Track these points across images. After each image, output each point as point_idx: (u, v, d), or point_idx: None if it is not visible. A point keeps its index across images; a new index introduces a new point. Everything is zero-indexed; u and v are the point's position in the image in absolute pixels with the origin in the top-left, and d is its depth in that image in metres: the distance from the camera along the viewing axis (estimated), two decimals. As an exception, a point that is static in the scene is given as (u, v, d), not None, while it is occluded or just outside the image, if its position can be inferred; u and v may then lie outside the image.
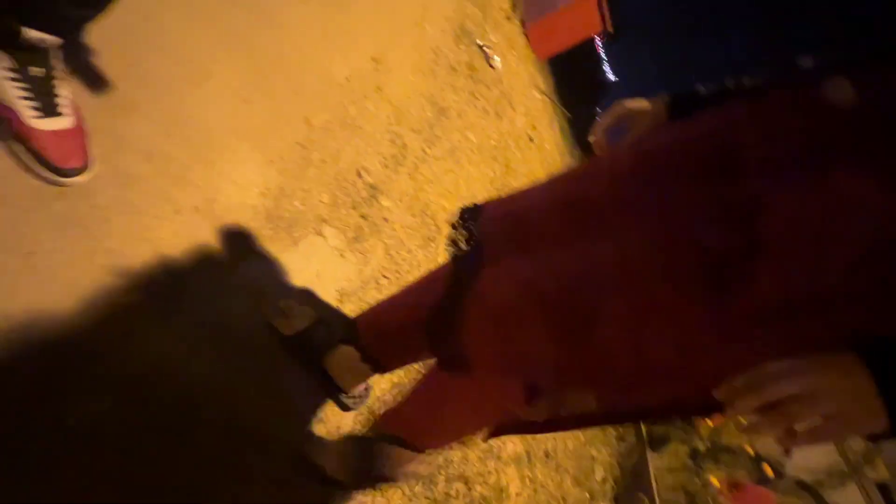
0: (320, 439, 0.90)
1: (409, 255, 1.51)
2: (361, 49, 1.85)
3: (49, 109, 0.67)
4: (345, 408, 0.98)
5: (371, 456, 0.79)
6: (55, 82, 0.68)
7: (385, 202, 1.51)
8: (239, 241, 0.99)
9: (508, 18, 5.04)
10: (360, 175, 1.47)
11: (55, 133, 0.68)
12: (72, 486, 0.59)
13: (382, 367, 0.91)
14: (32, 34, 0.62)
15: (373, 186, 1.50)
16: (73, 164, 0.70)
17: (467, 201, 1.95)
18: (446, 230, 1.77)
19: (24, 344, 0.62)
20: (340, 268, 1.22)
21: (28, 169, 0.68)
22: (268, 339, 0.91)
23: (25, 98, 0.65)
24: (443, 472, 1.20)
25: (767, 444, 2.45)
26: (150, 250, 0.82)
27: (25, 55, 0.64)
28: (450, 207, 1.90)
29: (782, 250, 0.44)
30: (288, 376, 0.92)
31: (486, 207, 0.75)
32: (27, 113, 0.65)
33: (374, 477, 0.80)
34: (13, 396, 0.59)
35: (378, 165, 1.59)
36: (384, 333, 0.86)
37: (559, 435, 1.89)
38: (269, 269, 1.02)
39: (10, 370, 0.60)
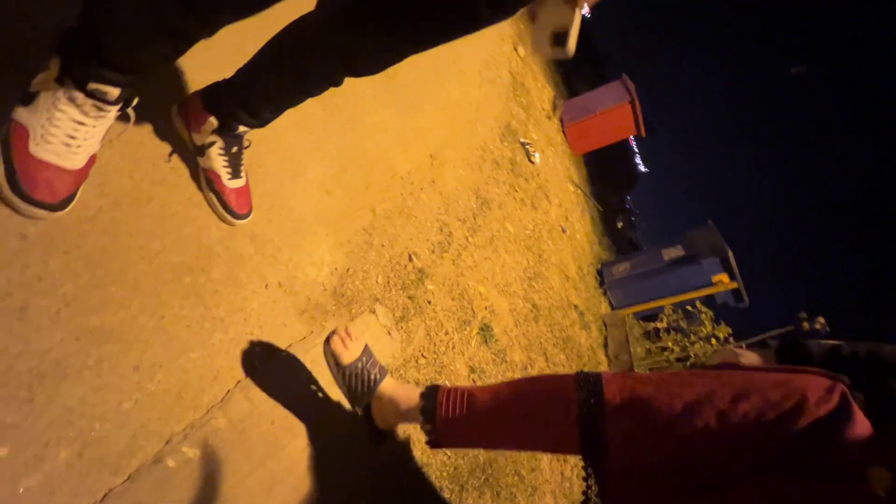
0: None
1: (446, 337, 1.62)
2: (423, 147, 2.11)
3: (236, 173, 0.96)
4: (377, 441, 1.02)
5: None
6: (242, 155, 0.97)
7: (430, 285, 1.66)
8: (310, 315, 1.14)
9: (549, 118, 5.50)
10: (410, 259, 1.64)
11: (237, 189, 0.97)
12: None
13: (436, 444, 0.92)
14: (242, 128, 0.90)
15: (420, 270, 1.65)
16: (245, 210, 1.01)
17: (501, 288, 2.06)
18: (481, 315, 1.89)
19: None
20: (387, 345, 1.34)
21: (219, 214, 0.97)
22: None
23: (226, 166, 0.94)
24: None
25: None
26: (243, 319, 0.97)
27: (232, 139, 0.93)
28: (485, 293, 2.03)
29: None
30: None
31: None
32: (225, 176, 0.94)
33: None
34: (133, 438, 0.71)
35: (426, 251, 1.76)
36: (467, 436, 0.91)
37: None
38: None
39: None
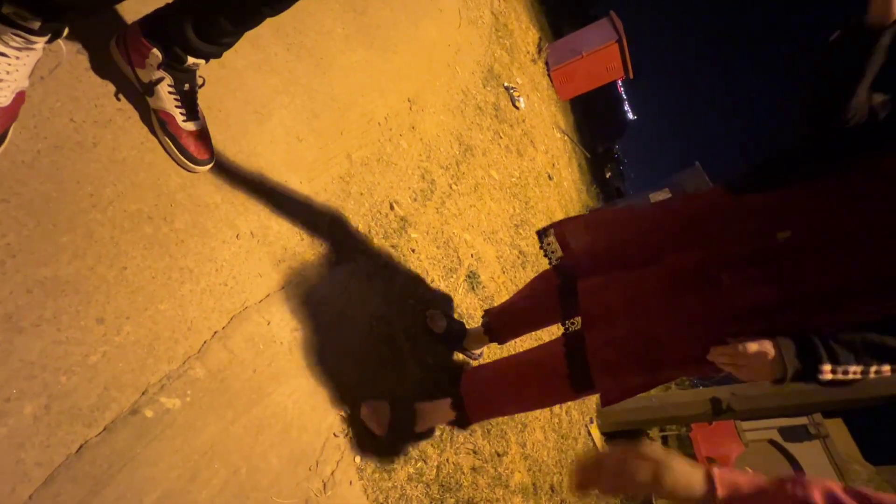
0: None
1: (432, 285, 1.60)
2: (399, 91, 2.00)
3: (192, 114, 0.89)
4: (472, 357, 1.52)
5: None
6: (195, 94, 0.89)
7: (413, 234, 1.62)
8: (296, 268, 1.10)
9: (534, 61, 5.27)
10: (392, 207, 1.59)
11: (194, 132, 0.90)
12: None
13: (499, 340, 1.44)
14: (191, 60, 0.82)
15: (403, 219, 1.61)
16: (206, 155, 0.93)
17: (487, 235, 2.04)
18: (467, 262, 1.87)
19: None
20: (371, 293, 1.32)
21: (176, 159, 0.89)
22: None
23: (179, 106, 0.86)
24: (453, 496, 1.25)
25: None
26: (214, 270, 0.93)
27: (182, 75, 0.84)
28: (471, 241, 2.00)
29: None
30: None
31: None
32: (179, 117, 0.87)
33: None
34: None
35: (408, 199, 1.71)
36: (507, 325, 1.40)
37: (565, 471, 1.92)
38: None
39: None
